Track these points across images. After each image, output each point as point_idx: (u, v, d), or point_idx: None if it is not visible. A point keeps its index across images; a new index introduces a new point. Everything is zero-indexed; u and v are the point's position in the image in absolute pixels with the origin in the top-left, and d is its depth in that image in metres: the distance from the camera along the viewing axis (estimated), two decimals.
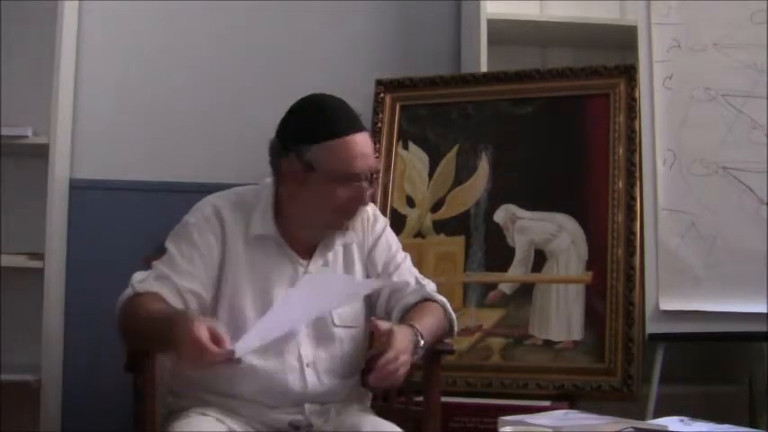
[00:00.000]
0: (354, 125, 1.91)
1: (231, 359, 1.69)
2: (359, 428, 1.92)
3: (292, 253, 1.97)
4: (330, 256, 2.01)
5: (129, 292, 1.89)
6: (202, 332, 1.66)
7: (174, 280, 1.88)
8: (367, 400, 2.11)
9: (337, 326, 1.98)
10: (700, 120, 2.66)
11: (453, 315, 2.08)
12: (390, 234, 2.11)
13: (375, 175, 1.93)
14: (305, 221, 1.95)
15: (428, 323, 1.95)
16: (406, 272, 2.08)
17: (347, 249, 2.04)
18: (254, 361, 1.89)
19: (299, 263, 1.97)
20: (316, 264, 1.98)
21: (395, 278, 2.04)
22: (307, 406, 1.94)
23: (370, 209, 2.08)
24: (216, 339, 1.67)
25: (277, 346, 1.90)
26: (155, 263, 1.93)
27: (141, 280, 1.89)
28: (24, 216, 2.79)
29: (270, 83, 3.05)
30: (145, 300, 1.86)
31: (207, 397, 1.94)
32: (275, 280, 1.94)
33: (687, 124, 2.67)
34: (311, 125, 1.91)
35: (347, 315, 1.99)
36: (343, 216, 1.94)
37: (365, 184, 1.90)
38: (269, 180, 2.00)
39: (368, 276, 2.05)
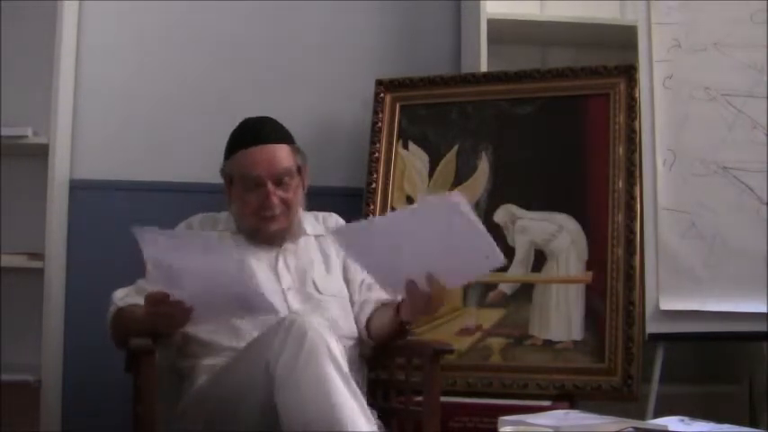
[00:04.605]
0: (257, 139, 2.24)
1: (183, 307, 1.95)
2: None
3: (261, 243, 2.28)
4: (302, 242, 2.32)
5: (112, 309, 2.18)
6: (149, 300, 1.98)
7: (149, 290, 2.10)
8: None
9: (322, 294, 2.26)
10: (700, 120, 2.66)
11: None
12: None
13: (287, 179, 2.23)
14: (244, 229, 2.29)
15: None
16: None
17: (322, 243, 2.35)
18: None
19: (271, 248, 2.28)
20: (288, 248, 2.30)
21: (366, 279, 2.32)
22: None
23: (337, 219, 2.43)
24: (160, 298, 1.95)
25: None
26: (138, 280, 2.21)
27: (122, 297, 2.19)
28: (24, 216, 2.79)
29: (270, 83, 3.05)
30: (124, 311, 2.15)
31: (208, 360, 2.14)
32: (253, 263, 2.12)
33: (687, 124, 2.67)
34: (227, 144, 2.30)
35: (331, 286, 2.29)
36: (260, 219, 2.24)
37: (271, 187, 2.21)
38: None
39: (345, 273, 2.34)
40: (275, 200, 2.22)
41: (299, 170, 2.30)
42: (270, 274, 2.25)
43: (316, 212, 2.44)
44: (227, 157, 2.30)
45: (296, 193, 2.27)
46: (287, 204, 2.25)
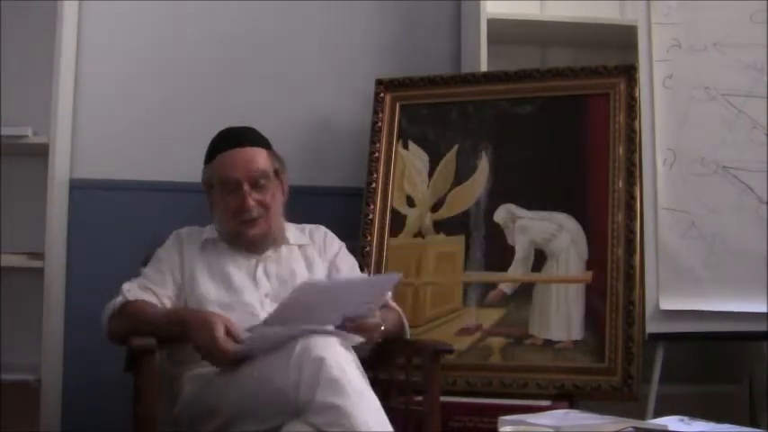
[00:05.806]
0: (235, 143, 2.28)
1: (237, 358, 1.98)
2: None
3: (242, 250, 2.29)
4: (284, 250, 2.33)
5: (120, 299, 2.18)
6: (220, 332, 1.98)
7: (154, 289, 2.21)
8: None
9: None
10: (700, 120, 2.66)
11: (406, 321, 2.38)
12: (349, 254, 2.45)
13: (263, 182, 2.25)
14: (225, 235, 2.30)
15: (389, 320, 2.26)
16: None
17: (305, 251, 2.37)
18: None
19: (252, 255, 2.29)
20: (269, 256, 2.30)
21: None
22: None
23: (325, 230, 2.44)
24: (231, 335, 1.98)
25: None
26: (134, 279, 2.25)
27: (129, 289, 2.20)
28: (24, 216, 2.79)
29: (270, 83, 3.05)
30: (141, 305, 2.16)
31: (196, 369, 2.13)
32: (232, 270, 2.26)
33: (687, 124, 2.67)
34: (207, 152, 2.33)
35: None
36: (240, 223, 2.25)
37: (247, 188, 2.22)
38: None
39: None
40: (251, 202, 2.23)
41: (277, 174, 2.31)
42: (248, 282, 2.25)
43: (302, 225, 2.44)
44: (206, 163, 2.32)
45: (274, 197, 2.28)
46: (264, 207, 2.25)
